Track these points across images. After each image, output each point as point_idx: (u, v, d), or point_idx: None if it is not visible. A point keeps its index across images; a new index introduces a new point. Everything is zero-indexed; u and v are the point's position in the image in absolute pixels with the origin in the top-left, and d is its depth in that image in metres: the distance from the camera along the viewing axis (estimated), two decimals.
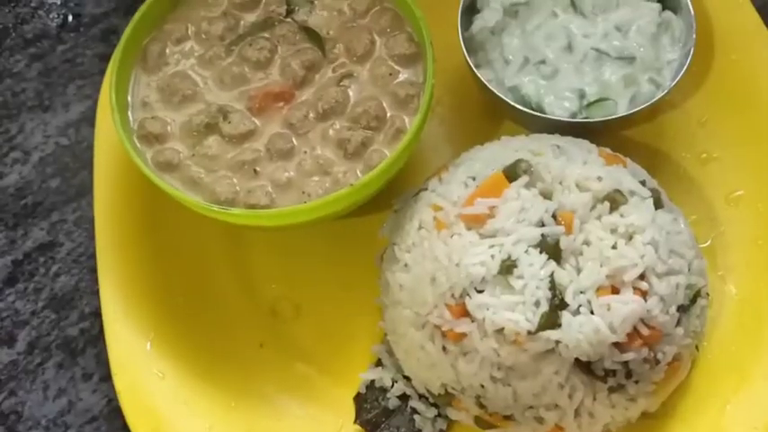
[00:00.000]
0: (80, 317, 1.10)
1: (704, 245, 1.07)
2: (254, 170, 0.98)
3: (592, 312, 0.86)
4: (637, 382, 0.89)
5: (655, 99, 1.05)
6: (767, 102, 1.11)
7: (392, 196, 1.06)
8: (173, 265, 1.07)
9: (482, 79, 1.08)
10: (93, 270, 1.07)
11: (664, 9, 1.12)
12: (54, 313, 1.11)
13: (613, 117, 1.05)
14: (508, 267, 0.87)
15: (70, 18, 1.30)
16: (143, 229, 1.07)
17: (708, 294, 0.97)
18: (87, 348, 1.09)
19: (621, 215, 0.90)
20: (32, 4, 1.31)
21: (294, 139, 1.00)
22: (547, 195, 0.92)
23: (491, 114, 1.16)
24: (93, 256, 1.08)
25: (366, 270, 1.06)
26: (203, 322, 1.05)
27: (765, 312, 1.01)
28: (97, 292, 1.05)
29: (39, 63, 1.26)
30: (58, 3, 1.31)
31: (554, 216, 0.90)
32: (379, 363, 1.02)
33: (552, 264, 0.88)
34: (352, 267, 1.08)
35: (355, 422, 1.00)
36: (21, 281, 1.13)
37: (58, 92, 1.24)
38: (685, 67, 1.06)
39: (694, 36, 1.08)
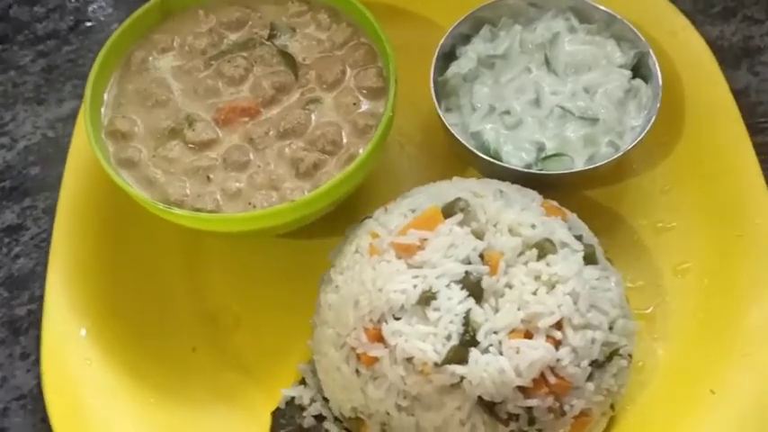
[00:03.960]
0: (30, 298, 1.14)
1: (646, 311, 1.07)
2: (208, 177, 1.02)
3: (501, 354, 0.86)
4: (540, 430, 0.88)
5: (610, 159, 1.07)
6: (728, 177, 1.11)
7: (350, 225, 1.08)
8: (122, 261, 1.10)
9: (445, 122, 1.11)
10: None
11: (635, 77, 1.14)
12: (7, 292, 1.15)
13: (566, 172, 1.07)
14: (427, 299, 0.89)
15: (81, 23, 1.37)
16: (100, 224, 1.11)
17: (630, 356, 0.96)
18: (30, 329, 1.12)
19: (548, 264, 0.91)
20: (49, 6, 1.39)
21: (251, 153, 1.03)
22: (479, 236, 0.93)
23: (457, 157, 1.18)
24: None
25: (310, 292, 1.07)
26: (142, 319, 1.07)
27: (693, 381, 0.99)
28: None
29: (43, 60, 1.34)
30: (73, 8, 1.39)
31: (481, 256, 0.91)
32: (303, 381, 1.03)
33: (471, 301, 0.89)
34: (298, 287, 1.09)
35: None
36: None
37: (56, 88, 1.31)
38: (644, 132, 1.08)
39: (658, 105, 1.09)
